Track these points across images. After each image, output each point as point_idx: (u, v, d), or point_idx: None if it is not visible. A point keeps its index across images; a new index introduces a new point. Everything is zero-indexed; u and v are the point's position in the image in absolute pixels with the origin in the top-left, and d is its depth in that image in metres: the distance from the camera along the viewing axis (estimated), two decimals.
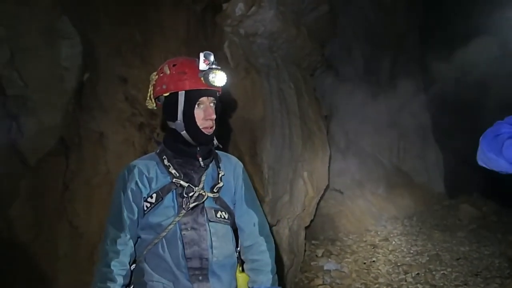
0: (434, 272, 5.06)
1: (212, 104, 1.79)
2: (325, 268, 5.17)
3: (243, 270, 1.92)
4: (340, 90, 7.56)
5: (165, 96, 1.78)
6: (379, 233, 6.45)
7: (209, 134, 1.79)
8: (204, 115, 1.76)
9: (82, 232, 3.56)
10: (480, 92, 8.05)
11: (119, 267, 1.72)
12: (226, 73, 1.77)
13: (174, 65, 1.77)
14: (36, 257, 3.53)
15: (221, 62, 4.48)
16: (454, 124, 8.43)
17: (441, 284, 4.78)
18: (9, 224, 3.52)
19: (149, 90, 1.86)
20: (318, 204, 5.52)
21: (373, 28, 7.78)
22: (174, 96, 1.75)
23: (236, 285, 1.89)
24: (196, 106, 1.75)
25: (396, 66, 8.25)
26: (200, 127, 1.76)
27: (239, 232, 1.95)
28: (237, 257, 1.92)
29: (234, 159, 2.01)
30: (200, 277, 1.73)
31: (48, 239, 3.59)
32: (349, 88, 7.63)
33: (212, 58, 1.75)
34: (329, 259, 5.40)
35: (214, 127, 1.80)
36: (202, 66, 1.73)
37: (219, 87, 1.77)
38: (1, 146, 3.52)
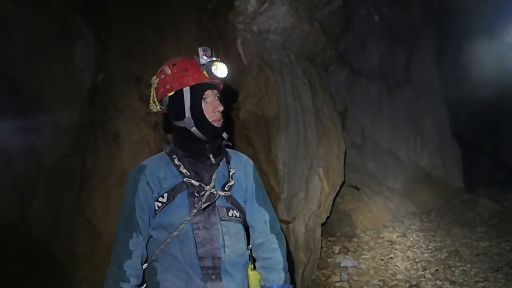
0: (453, 268, 4.97)
1: (216, 97, 1.81)
2: (342, 264, 5.13)
3: (254, 268, 1.92)
4: (355, 85, 7.50)
5: (170, 96, 1.79)
6: (396, 229, 6.37)
7: (219, 126, 1.79)
8: (212, 108, 1.77)
9: (100, 230, 3.60)
10: (499, 85, 7.92)
11: (132, 268, 1.72)
12: (226, 65, 1.79)
13: (174, 65, 1.78)
14: (55, 255, 3.58)
15: (234, 60, 4.52)
16: (472, 117, 8.31)
17: (461, 280, 4.70)
18: (28, 223, 3.58)
19: (151, 93, 1.86)
20: (334, 200, 5.49)
21: (387, 22, 7.69)
22: (179, 94, 1.76)
23: (248, 283, 1.88)
24: (203, 100, 1.76)
25: (412, 60, 8.14)
26: (210, 120, 1.76)
27: (250, 230, 1.94)
28: (249, 255, 1.92)
29: (244, 157, 2.01)
30: (213, 276, 1.73)
31: (67, 238, 3.65)
32: (364, 83, 7.57)
33: (210, 51, 1.78)
34: (346, 256, 5.35)
35: (222, 120, 1.81)
36: (203, 59, 1.76)
37: (222, 78, 1.79)
38: (19, 147, 3.58)
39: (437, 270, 4.94)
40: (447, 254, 5.36)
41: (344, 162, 5.54)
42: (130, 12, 4.26)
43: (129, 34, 4.17)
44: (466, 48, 7.60)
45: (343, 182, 5.67)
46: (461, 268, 4.99)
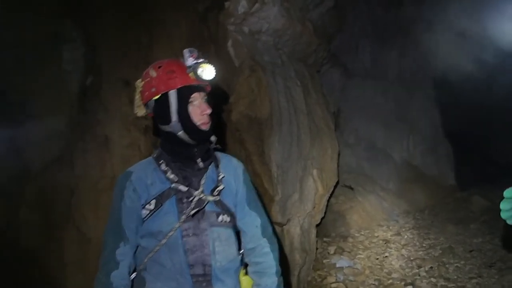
0: (447, 265, 4.99)
1: (204, 100, 1.76)
2: (337, 265, 5.12)
3: (247, 273, 1.88)
4: (348, 85, 7.50)
5: (155, 100, 1.74)
6: (391, 228, 6.38)
7: (207, 130, 1.75)
8: (200, 111, 1.73)
9: (90, 237, 3.54)
10: (489, 83, 7.96)
11: (119, 278, 1.68)
12: (214, 66, 1.74)
13: (159, 67, 1.73)
14: (44, 262, 3.53)
15: (226, 61, 4.49)
16: (464, 116, 8.34)
17: (455, 277, 4.71)
18: (17, 230, 3.51)
19: (136, 97, 1.82)
20: (328, 201, 5.47)
21: (380, 22, 7.70)
22: (165, 97, 1.71)
23: None
24: (190, 103, 1.72)
25: (404, 60, 8.15)
26: (197, 124, 1.72)
27: (241, 235, 1.90)
28: (241, 260, 1.88)
29: (234, 160, 1.96)
30: (204, 284, 1.69)
31: (56, 245, 3.59)
32: (357, 83, 7.58)
33: (197, 52, 1.73)
34: (342, 256, 5.35)
35: (210, 123, 1.77)
36: (189, 61, 1.71)
37: (209, 80, 1.74)
38: (6, 152, 3.51)
39: (431, 267, 4.95)
40: (441, 252, 5.38)
41: (338, 163, 5.53)
42: (121, 14, 4.22)
43: (119, 36, 4.13)
44: (458, 47, 7.62)
45: (337, 182, 5.66)
46: (455, 265, 5.01)
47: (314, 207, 4.85)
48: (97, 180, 3.70)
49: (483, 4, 6.62)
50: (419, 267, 5.01)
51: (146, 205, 1.70)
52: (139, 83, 1.79)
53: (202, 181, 1.76)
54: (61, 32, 3.84)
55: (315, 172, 4.83)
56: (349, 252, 5.50)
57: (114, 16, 4.16)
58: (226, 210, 1.80)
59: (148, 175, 1.74)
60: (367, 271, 5.01)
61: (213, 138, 1.82)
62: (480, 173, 8.21)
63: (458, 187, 8.00)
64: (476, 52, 7.32)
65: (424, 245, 5.69)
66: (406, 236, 6.01)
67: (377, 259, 5.32)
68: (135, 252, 1.76)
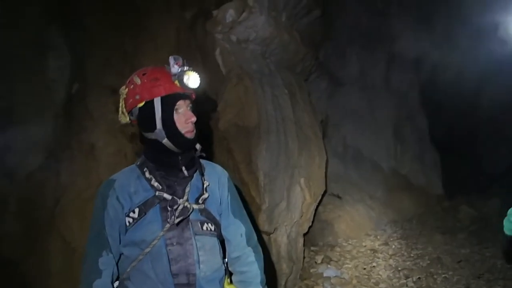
0: (435, 276, 4.98)
1: (189, 108, 1.75)
2: (324, 275, 5.09)
3: (231, 282, 1.87)
4: (336, 94, 7.54)
5: (140, 107, 1.71)
6: (378, 237, 6.38)
7: (191, 138, 1.73)
8: (185, 119, 1.71)
9: (75, 247, 3.48)
10: (476, 92, 8.05)
11: None
12: (199, 74, 1.73)
13: (144, 74, 1.71)
14: (28, 274, 3.45)
15: (213, 69, 4.47)
16: (451, 124, 8.42)
17: None
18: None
19: (120, 104, 1.79)
20: (316, 209, 5.46)
21: (366, 31, 7.76)
22: (149, 105, 1.69)
23: None
24: (175, 111, 1.70)
25: (391, 68, 8.22)
26: (182, 132, 1.70)
27: (226, 243, 1.88)
28: (225, 269, 1.86)
29: (218, 167, 1.94)
30: None
31: (41, 256, 3.51)
32: (345, 91, 7.62)
33: (182, 60, 1.72)
34: (329, 266, 5.32)
35: (195, 131, 1.75)
36: (174, 69, 1.69)
37: (194, 89, 1.72)
38: None
39: (419, 278, 4.94)
40: (429, 262, 5.38)
41: (326, 171, 5.53)
42: (107, 22, 4.20)
43: (105, 43, 4.11)
44: (445, 55, 7.71)
45: (325, 191, 5.65)
46: (443, 275, 5.00)
47: (301, 216, 4.83)
48: (83, 188, 3.64)
49: (469, 12, 6.71)
50: (407, 277, 4.99)
51: (129, 213, 1.67)
52: (123, 90, 1.77)
53: (187, 189, 1.74)
54: (47, 39, 3.80)
55: (302, 180, 4.82)
56: (336, 261, 5.48)
57: (100, 23, 4.13)
58: (210, 219, 1.78)
59: (131, 183, 1.71)
60: (354, 281, 4.98)
61: (198, 146, 1.80)
62: (468, 181, 8.28)
63: (446, 196, 8.05)
64: (464, 60, 7.41)
65: (412, 255, 5.69)
66: (394, 246, 6.01)
67: (365, 269, 5.30)
68: (118, 261, 1.72)
